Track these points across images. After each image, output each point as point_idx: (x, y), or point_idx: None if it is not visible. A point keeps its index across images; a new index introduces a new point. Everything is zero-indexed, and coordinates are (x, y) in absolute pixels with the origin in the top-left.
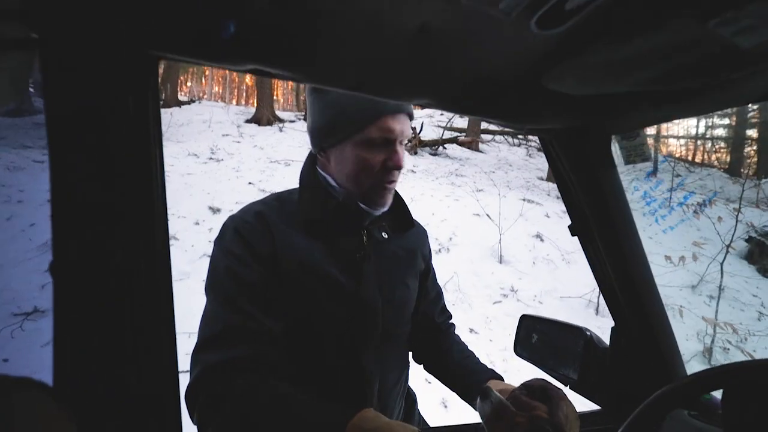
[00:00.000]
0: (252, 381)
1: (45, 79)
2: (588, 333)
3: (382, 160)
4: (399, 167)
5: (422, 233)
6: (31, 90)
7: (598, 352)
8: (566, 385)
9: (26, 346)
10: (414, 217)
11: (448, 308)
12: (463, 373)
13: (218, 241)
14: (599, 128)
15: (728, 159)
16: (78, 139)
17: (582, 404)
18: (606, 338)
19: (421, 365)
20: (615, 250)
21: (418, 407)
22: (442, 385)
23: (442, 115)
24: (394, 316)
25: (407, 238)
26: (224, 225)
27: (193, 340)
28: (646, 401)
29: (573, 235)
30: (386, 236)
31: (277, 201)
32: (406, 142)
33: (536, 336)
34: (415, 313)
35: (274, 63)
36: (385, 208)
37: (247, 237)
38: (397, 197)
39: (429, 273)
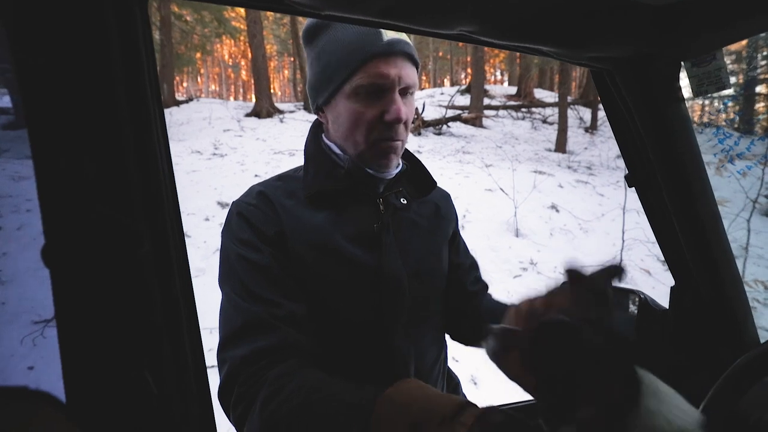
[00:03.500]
0: (285, 370)
1: (9, 33)
2: (642, 295)
3: (378, 113)
4: (398, 120)
5: (445, 196)
6: None
7: (655, 315)
8: None
9: (49, 353)
10: (435, 179)
11: (483, 279)
12: (493, 315)
13: (225, 230)
14: (669, 53)
15: (731, 114)
16: (58, 109)
17: None
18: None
19: (457, 341)
20: (682, 199)
21: (463, 390)
22: (473, 360)
23: (442, 94)
24: (423, 289)
25: (429, 203)
26: (229, 211)
27: (214, 336)
28: (735, 364)
29: (630, 185)
30: (405, 202)
31: (280, 180)
32: (413, 91)
33: None
34: (449, 286)
35: None
36: (391, 171)
37: (252, 220)
38: (413, 158)
39: (458, 241)
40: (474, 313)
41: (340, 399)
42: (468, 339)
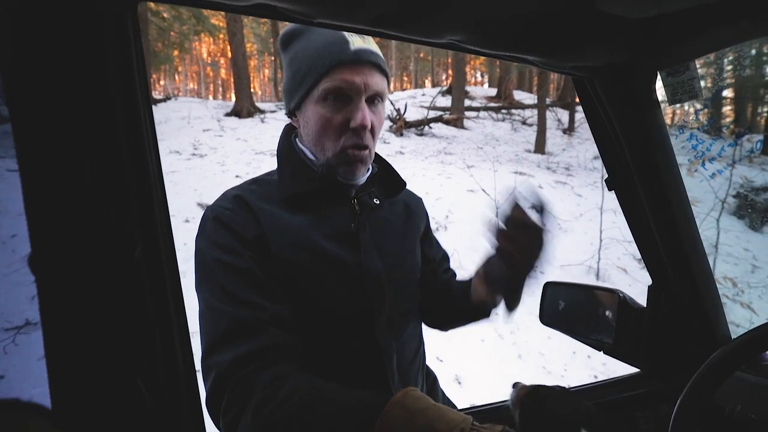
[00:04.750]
0: (277, 374)
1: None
2: (621, 294)
3: (344, 120)
4: (363, 126)
5: (415, 197)
6: None
7: (633, 313)
8: (600, 350)
9: (21, 360)
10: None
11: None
12: (460, 287)
13: (200, 235)
14: (645, 63)
15: (704, 120)
16: (47, 115)
17: (613, 370)
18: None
19: (433, 327)
20: (659, 202)
21: (441, 387)
22: (457, 360)
23: (423, 95)
24: (401, 284)
25: (400, 203)
26: (203, 217)
27: (196, 340)
28: (710, 359)
29: (610, 189)
30: (378, 202)
31: (255, 183)
32: (381, 100)
33: (563, 303)
34: (423, 278)
35: None
36: (357, 180)
37: (229, 224)
38: (383, 162)
39: (429, 237)
40: (445, 297)
41: (341, 402)
42: (442, 322)
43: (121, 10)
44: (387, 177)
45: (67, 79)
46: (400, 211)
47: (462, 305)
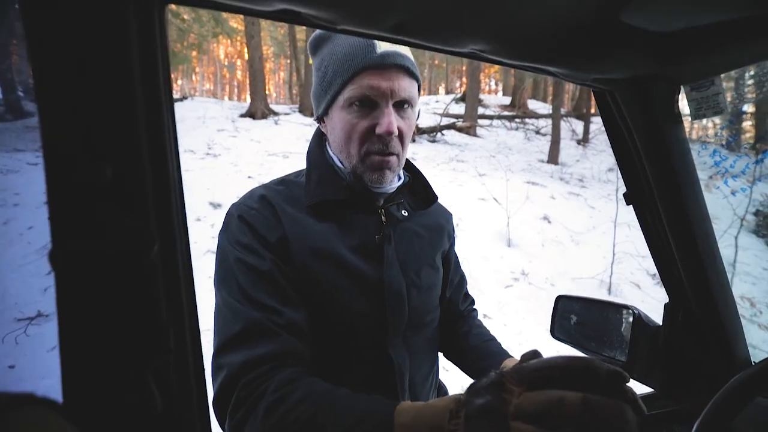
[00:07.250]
0: (289, 378)
1: (29, 35)
2: (636, 311)
3: (369, 126)
4: (388, 132)
5: (446, 213)
6: (21, 93)
7: (648, 330)
8: None
9: (32, 351)
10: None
11: (469, 293)
12: (481, 356)
13: (223, 232)
14: (669, 77)
15: (725, 134)
16: (73, 113)
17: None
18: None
19: (441, 352)
20: (678, 218)
21: None
22: (461, 372)
23: (437, 102)
24: (422, 301)
25: (429, 216)
26: (228, 213)
27: (206, 338)
28: (730, 383)
29: (628, 203)
30: (406, 214)
31: (282, 184)
32: (411, 105)
33: (575, 317)
34: (443, 299)
35: (305, 1)
36: (386, 185)
37: (253, 224)
38: (415, 170)
39: (450, 255)
40: (457, 335)
41: (356, 411)
42: (447, 353)
43: (149, 11)
44: (418, 188)
45: (93, 78)
46: (428, 224)
47: (476, 373)
